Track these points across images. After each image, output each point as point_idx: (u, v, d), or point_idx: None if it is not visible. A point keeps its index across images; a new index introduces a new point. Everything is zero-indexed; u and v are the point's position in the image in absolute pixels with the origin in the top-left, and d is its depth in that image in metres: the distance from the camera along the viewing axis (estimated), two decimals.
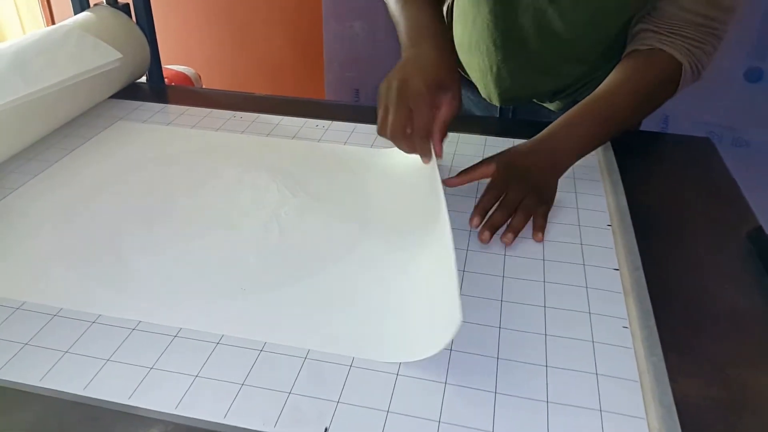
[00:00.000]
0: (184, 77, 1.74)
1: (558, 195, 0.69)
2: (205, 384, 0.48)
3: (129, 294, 0.57)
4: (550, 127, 0.72)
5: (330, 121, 0.87)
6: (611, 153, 0.78)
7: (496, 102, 0.88)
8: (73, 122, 0.88)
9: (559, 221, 0.66)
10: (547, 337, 0.52)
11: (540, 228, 0.64)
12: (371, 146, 0.81)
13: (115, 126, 0.88)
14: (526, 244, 0.63)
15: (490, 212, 0.65)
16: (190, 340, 0.52)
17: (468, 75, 0.92)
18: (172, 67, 1.76)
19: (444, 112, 0.67)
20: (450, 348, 0.51)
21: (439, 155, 0.67)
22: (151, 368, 0.49)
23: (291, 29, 2.03)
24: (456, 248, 0.62)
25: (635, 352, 0.50)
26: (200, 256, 0.62)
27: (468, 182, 0.71)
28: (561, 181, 0.70)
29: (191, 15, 2.10)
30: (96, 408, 0.46)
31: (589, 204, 0.69)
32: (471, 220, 0.64)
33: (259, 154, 0.80)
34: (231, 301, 0.56)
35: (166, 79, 1.73)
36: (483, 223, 0.64)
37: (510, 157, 0.71)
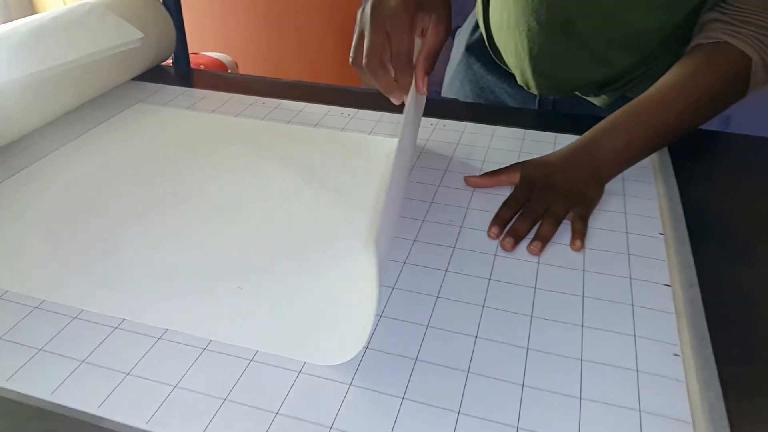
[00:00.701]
0: (220, 64, 1.71)
1: (602, 197, 0.62)
2: (184, 397, 0.42)
3: (116, 288, 0.51)
4: (591, 130, 0.65)
5: (356, 110, 0.81)
6: (666, 153, 0.70)
7: (534, 90, 0.80)
8: (90, 103, 0.84)
9: (602, 227, 0.59)
10: (584, 362, 0.45)
11: (579, 234, 0.56)
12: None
13: (133, 108, 0.83)
14: (564, 252, 0.55)
15: (510, 223, 0.59)
16: (175, 343, 0.46)
17: (503, 63, 0.84)
18: (208, 53, 1.73)
19: (430, 40, 0.59)
20: (467, 370, 0.44)
21: (421, 91, 0.59)
22: (128, 374, 0.44)
23: (331, 16, 1.97)
24: (481, 252, 0.55)
25: (687, 387, 0.42)
26: (199, 250, 0.56)
27: (490, 186, 0.64)
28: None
29: (229, 1, 2.07)
30: (58, 416, 0.41)
31: (639, 208, 0.61)
32: (489, 230, 0.57)
33: (275, 141, 0.74)
34: (226, 301, 0.50)
35: (201, 66, 1.71)
36: (505, 231, 0.57)
37: (538, 165, 0.63)
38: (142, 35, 0.87)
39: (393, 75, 0.58)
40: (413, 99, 0.58)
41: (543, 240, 0.56)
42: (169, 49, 0.97)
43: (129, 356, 0.45)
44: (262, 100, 0.85)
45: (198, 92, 0.88)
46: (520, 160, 0.65)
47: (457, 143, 0.73)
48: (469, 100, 0.91)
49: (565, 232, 0.57)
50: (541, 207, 0.59)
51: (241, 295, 0.50)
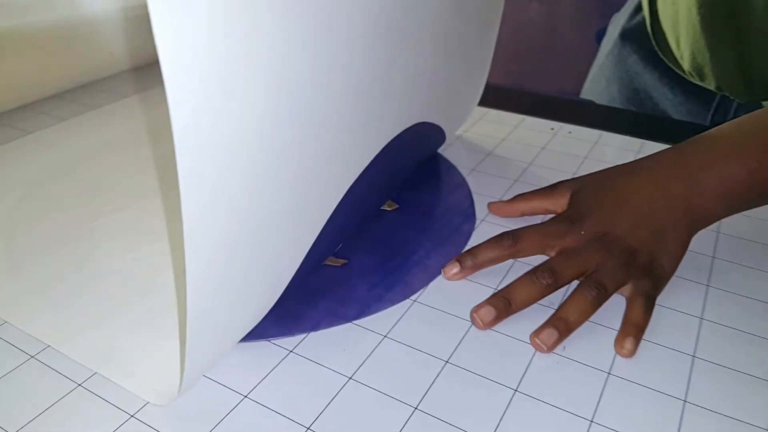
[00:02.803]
0: None
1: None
2: None
3: (53, 305, 0.36)
4: (693, 140, 0.40)
5: None
6: None
7: (710, 83, 0.58)
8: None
9: (672, 306, 0.36)
10: None
11: (633, 328, 0.34)
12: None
13: None
14: (601, 357, 0.34)
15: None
16: (100, 400, 0.30)
17: (670, 58, 0.62)
18: None
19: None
20: None
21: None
22: None
23: None
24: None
25: None
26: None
27: (520, 215, 0.44)
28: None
29: None
30: None
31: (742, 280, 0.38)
32: (446, 270, 0.38)
33: None
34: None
35: None
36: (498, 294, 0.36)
37: (594, 182, 0.41)
38: None
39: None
40: None
41: (561, 327, 0.34)
42: None
43: (32, 405, 0.30)
44: None
45: None
46: None
47: (585, 157, 0.52)
48: (616, 104, 0.69)
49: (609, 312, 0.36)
50: (579, 265, 0.36)
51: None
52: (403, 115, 0.38)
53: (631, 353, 0.33)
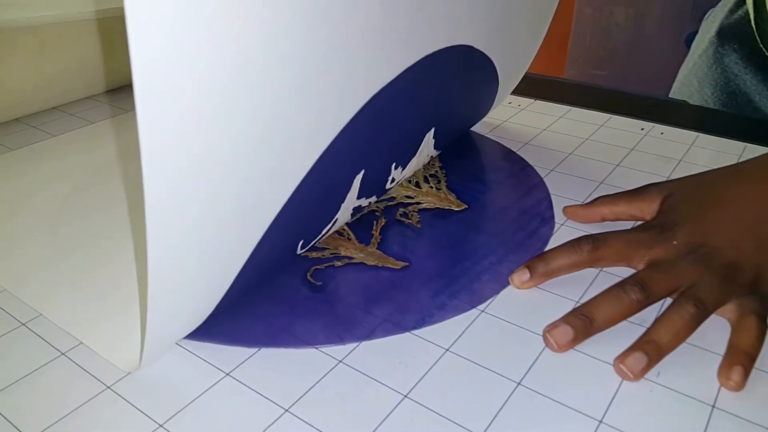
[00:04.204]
0: None
1: None
2: None
3: (89, 297, 0.34)
4: None
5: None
6: None
7: None
8: None
9: None
10: None
11: (742, 356, 0.28)
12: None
13: None
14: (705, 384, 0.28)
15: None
16: (128, 405, 0.27)
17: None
18: None
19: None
20: None
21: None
22: None
23: None
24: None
25: None
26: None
27: (601, 220, 0.38)
28: None
29: None
30: None
31: None
32: (513, 277, 0.34)
33: None
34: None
35: None
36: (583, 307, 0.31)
37: (690, 186, 0.36)
38: None
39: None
40: None
41: (652, 351, 0.28)
42: None
43: (56, 407, 0.27)
44: None
45: None
46: None
47: (680, 160, 0.46)
48: (709, 107, 0.63)
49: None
50: (672, 279, 0.31)
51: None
52: (443, 30, 0.33)
53: (740, 386, 0.27)
